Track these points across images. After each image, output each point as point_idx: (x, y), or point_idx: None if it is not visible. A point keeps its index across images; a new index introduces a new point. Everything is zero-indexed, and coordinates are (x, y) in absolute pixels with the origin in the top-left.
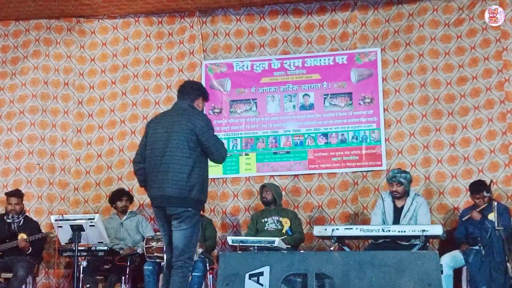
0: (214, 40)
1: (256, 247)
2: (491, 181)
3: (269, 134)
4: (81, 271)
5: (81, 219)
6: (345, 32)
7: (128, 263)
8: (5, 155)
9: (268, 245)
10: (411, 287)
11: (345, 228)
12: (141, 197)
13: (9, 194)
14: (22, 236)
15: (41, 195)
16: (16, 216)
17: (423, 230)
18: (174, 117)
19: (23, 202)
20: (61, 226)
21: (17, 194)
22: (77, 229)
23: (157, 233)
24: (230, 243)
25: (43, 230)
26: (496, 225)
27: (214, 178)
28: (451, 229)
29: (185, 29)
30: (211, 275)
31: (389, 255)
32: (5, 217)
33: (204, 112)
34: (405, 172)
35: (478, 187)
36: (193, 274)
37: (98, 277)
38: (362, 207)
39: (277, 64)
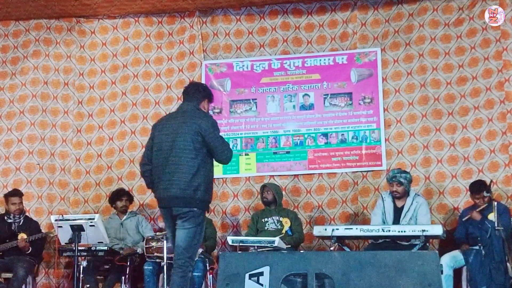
0: (214, 40)
1: (256, 247)
2: (491, 181)
3: (269, 134)
4: (81, 271)
5: (81, 219)
6: (345, 32)
7: (128, 263)
8: (5, 155)
9: (268, 245)
10: (411, 287)
11: (345, 228)
12: (141, 197)
13: (11, 194)
14: (22, 236)
15: (41, 195)
16: (18, 216)
17: (423, 230)
18: (180, 119)
19: (23, 202)
20: (61, 226)
21: (19, 193)
22: (77, 229)
23: (157, 233)
24: (230, 243)
25: (43, 230)
26: (496, 225)
27: (214, 178)
28: (451, 229)
29: (185, 29)
30: (211, 275)
31: (389, 255)
32: (5, 217)
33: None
34: (405, 172)
35: (478, 187)
36: (193, 274)
37: (98, 277)
38: (362, 207)
39: (277, 64)
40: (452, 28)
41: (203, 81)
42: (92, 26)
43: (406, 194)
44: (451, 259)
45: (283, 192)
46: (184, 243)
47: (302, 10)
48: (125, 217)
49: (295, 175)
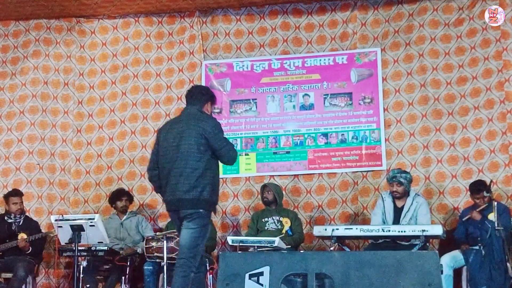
0: (214, 40)
1: (256, 247)
2: (491, 181)
3: (269, 134)
4: (81, 271)
5: (81, 219)
6: (345, 32)
7: (128, 263)
8: (5, 155)
9: (268, 245)
10: (411, 287)
11: (345, 228)
12: (141, 197)
13: (11, 194)
14: (22, 236)
15: (41, 195)
16: (18, 216)
17: (423, 230)
18: (184, 123)
19: (23, 202)
20: (61, 226)
21: (20, 193)
22: (77, 229)
23: (157, 233)
24: (230, 243)
25: (43, 230)
26: (496, 225)
27: None
28: (451, 229)
29: (185, 29)
30: (211, 275)
31: (389, 255)
32: (5, 217)
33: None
34: (405, 172)
35: (478, 187)
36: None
37: (98, 277)
38: (362, 207)
39: (277, 64)
40: (452, 28)
41: (203, 81)
42: (92, 26)
43: (406, 194)
44: (451, 259)
45: (283, 192)
46: (187, 242)
47: (302, 10)
48: (125, 217)
49: (295, 175)
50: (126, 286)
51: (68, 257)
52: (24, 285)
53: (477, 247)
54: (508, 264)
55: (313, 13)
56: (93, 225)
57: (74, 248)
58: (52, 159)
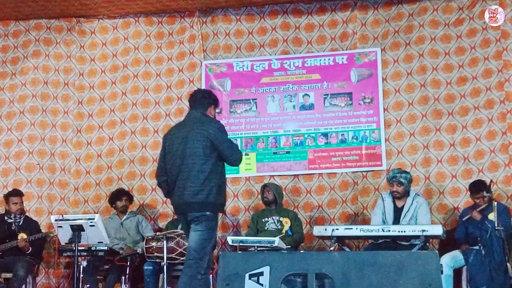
0: (214, 40)
1: (256, 247)
2: (491, 181)
3: (269, 134)
4: (81, 271)
5: (81, 219)
6: (345, 32)
7: (128, 263)
8: (5, 155)
9: (268, 245)
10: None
11: (345, 228)
12: (141, 197)
13: (12, 194)
14: (22, 236)
15: (41, 195)
16: (18, 216)
17: (423, 230)
18: (188, 127)
19: (23, 202)
20: (61, 226)
21: (20, 193)
22: (77, 229)
23: (157, 233)
24: (230, 243)
25: (43, 230)
26: (496, 225)
27: None
28: (451, 229)
29: (185, 29)
30: (211, 275)
31: (389, 255)
32: (5, 217)
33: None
34: (405, 172)
35: (478, 187)
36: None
37: (98, 277)
38: (362, 207)
39: (277, 64)
40: (452, 28)
41: (203, 81)
42: (92, 26)
43: (406, 194)
44: (451, 259)
45: (283, 192)
46: (195, 245)
47: (302, 10)
48: (125, 217)
49: (295, 175)
50: (126, 286)
51: (68, 257)
52: (24, 285)
53: (477, 247)
54: (508, 264)
55: (313, 13)
56: (93, 225)
57: (74, 248)
58: (52, 159)
